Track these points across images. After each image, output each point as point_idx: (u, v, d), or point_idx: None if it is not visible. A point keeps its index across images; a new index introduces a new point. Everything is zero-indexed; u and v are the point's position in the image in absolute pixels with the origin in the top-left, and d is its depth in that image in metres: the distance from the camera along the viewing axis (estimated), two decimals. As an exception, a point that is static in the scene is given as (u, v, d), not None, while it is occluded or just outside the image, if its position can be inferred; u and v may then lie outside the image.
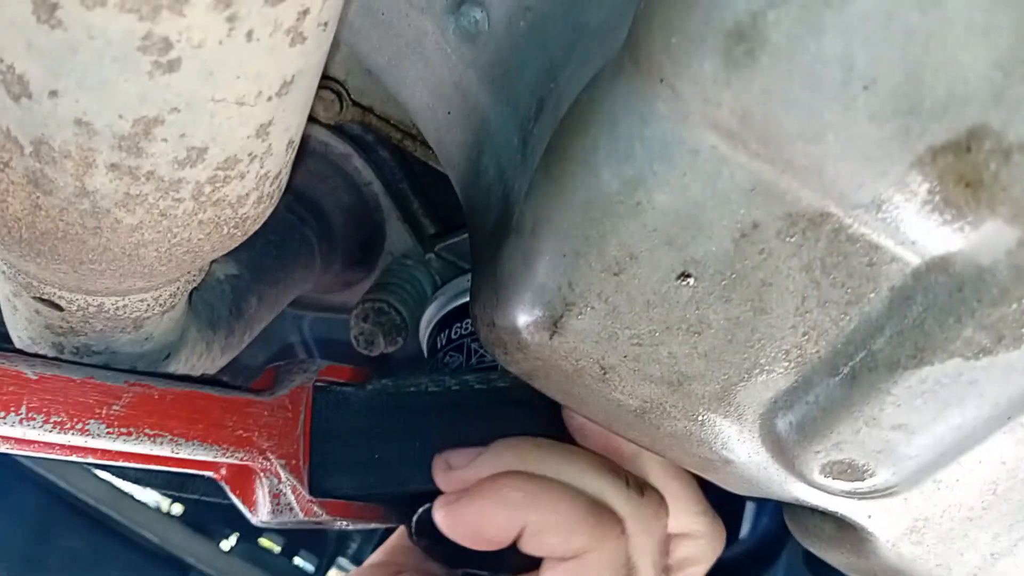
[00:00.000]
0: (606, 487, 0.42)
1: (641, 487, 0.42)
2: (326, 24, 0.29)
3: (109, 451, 0.41)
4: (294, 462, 0.46)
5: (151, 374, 0.42)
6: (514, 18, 0.39)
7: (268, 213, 0.34)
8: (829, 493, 0.33)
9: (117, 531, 0.85)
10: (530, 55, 0.38)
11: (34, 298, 0.36)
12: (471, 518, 0.41)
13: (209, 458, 0.43)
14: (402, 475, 0.48)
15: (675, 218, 0.28)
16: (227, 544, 0.90)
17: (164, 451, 0.42)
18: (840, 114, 0.24)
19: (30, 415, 0.38)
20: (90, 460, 0.42)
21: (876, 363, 0.29)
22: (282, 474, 0.46)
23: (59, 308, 0.36)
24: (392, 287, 0.61)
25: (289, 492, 0.46)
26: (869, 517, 0.35)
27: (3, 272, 0.36)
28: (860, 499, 0.33)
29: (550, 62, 0.37)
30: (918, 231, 0.26)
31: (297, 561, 0.96)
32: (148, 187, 0.29)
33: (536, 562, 0.42)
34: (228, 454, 0.44)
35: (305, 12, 0.27)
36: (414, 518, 0.48)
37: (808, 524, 0.39)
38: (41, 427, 0.38)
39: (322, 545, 1.01)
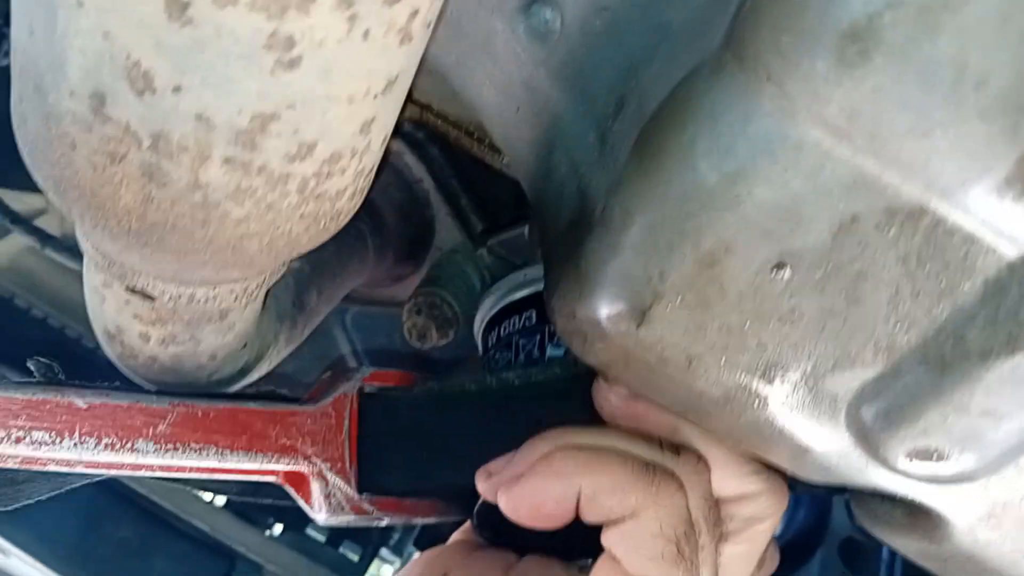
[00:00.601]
0: (649, 449, 0.42)
1: (676, 448, 0.43)
2: (430, 23, 0.30)
3: (164, 466, 0.45)
4: (340, 464, 0.49)
5: (196, 395, 0.45)
6: (589, 18, 0.40)
7: (358, 207, 0.35)
8: (912, 479, 0.34)
9: (166, 520, 0.86)
10: (607, 54, 0.39)
11: (127, 288, 0.37)
12: (529, 495, 0.42)
13: (255, 467, 0.47)
14: (449, 472, 0.49)
15: (774, 211, 0.29)
16: (274, 532, 0.91)
17: (210, 463, 0.45)
18: (950, 112, 0.24)
19: (83, 439, 0.43)
20: (150, 475, 0.46)
21: (968, 351, 0.29)
22: (329, 476, 0.49)
23: (151, 298, 0.37)
24: (444, 281, 0.62)
25: (339, 493, 0.49)
26: (947, 502, 0.35)
27: (96, 263, 0.37)
28: (941, 485, 0.34)
29: (629, 61, 0.37)
30: (1016, 225, 0.27)
31: (342, 550, 0.98)
32: (258, 180, 0.30)
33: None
34: (273, 462, 0.47)
35: (415, 13, 0.28)
36: (475, 509, 0.49)
37: (878, 511, 0.40)
38: (93, 449, 0.43)
39: (366, 535, 1.02)
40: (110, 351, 0.43)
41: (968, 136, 0.25)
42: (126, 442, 0.43)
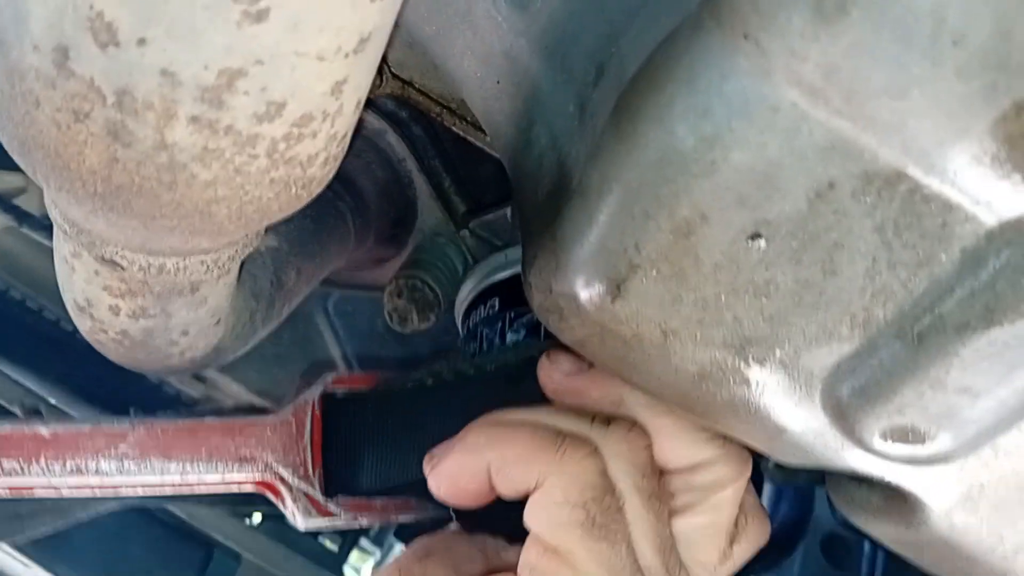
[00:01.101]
0: (571, 421, 0.42)
1: (607, 419, 0.42)
2: (403, -19, 0.29)
3: (128, 484, 0.48)
4: (303, 470, 0.51)
5: (156, 416, 0.49)
6: (570, -14, 0.39)
7: (332, 175, 0.35)
8: (888, 459, 0.33)
9: (142, 506, 0.86)
10: (587, 21, 0.38)
11: (95, 258, 0.36)
12: (446, 472, 0.43)
13: (217, 478, 0.49)
14: (413, 467, 0.49)
15: (750, 177, 0.28)
16: (253, 521, 0.90)
17: (173, 478, 0.48)
18: (927, 69, 0.24)
19: (49, 464, 0.46)
20: (125, 495, 0.49)
21: (945, 325, 0.29)
22: (292, 482, 0.51)
23: (120, 268, 0.36)
24: (425, 264, 0.61)
25: (304, 498, 0.51)
26: (923, 485, 0.35)
27: (65, 232, 0.36)
28: (918, 465, 0.34)
29: (610, 28, 0.37)
30: (995, 191, 0.26)
31: (321, 539, 0.97)
32: (226, 141, 0.29)
33: None
34: (235, 472, 0.49)
35: (388, -33, 0.27)
36: None
37: (854, 495, 0.39)
38: (60, 473, 0.46)
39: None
40: (81, 325, 0.43)
41: (945, 95, 0.24)
42: (90, 463, 0.47)
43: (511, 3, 0.41)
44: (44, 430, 0.47)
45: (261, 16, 0.26)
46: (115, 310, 0.40)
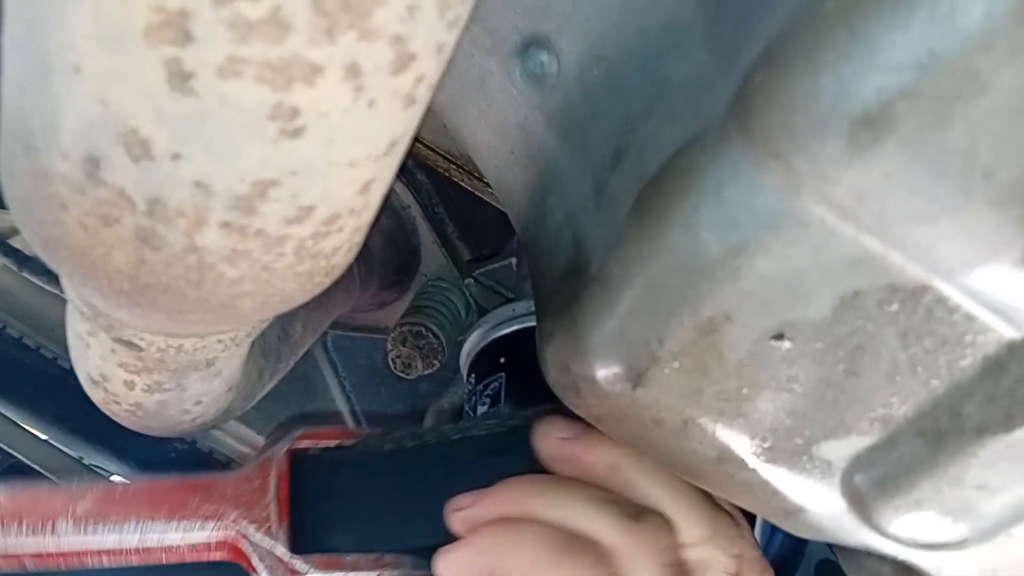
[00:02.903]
0: (595, 518, 0.41)
1: (639, 512, 0.41)
2: (433, 86, 0.29)
3: (85, 546, 0.46)
4: (267, 526, 0.49)
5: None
6: (586, 66, 0.39)
7: (352, 260, 0.35)
8: (903, 544, 0.34)
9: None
10: (604, 104, 0.38)
11: (113, 339, 0.36)
12: (456, 568, 0.42)
13: (178, 537, 0.47)
14: (398, 531, 0.48)
15: (775, 284, 0.29)
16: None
17: (132, 537, 0.46)
18: (959, 199, 0.24)
19: (6, 525, 0.45)
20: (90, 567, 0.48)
21: (964, 426, 0.30)
22: (256, 538, 0.48)
23: (139, 348, 0.36)
24: (429, 310, 0.62)
25: (268, 556, 0.49)
26: (938, 566, 0.36)
27: (82, 313, 0.36)
28: (933, 551, 0.34)
29: (627, 113, 0.37)
30: (1020, 308, 0.27)
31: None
32: (255, 243, 0.29)
33: None
34: (196, 530, 0.47)
35: (421, 79, 0.27)
36: None
37: (864, 565, 0.40)
38: (16, 534, 0.45)
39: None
40: (93, 396, 0.42)
41: (976, 223, 0.25)
42: (47, 523, 0.45)
43: (526, 77, 0.41)
44: (2, 496, 0.46)
45: (297, 133, 0.26)
46: (130, 385, 0.40)
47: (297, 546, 0.48)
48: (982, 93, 0.23)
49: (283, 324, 0.52)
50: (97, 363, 0.39)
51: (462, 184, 0.55)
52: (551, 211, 0.41)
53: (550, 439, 0.45)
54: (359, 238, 0.34)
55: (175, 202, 0.27)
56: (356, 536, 0.49)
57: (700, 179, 0.29)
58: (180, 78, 0.24)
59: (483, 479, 0.46)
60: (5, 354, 0.76)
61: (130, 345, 0.36)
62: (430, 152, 0.54)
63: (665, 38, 0.35)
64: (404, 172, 0.61)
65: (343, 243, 0.32)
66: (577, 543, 0.40)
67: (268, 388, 0.52)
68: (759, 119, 0.26)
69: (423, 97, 0.29)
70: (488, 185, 0.54)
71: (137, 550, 0.47)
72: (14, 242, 0.68)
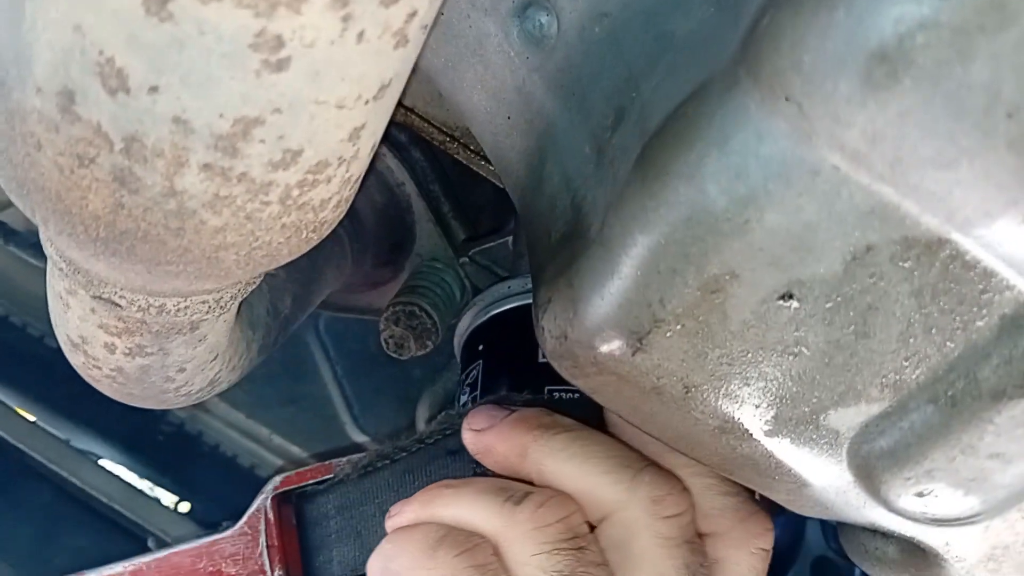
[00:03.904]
0: (474, 508, 0.41)
1: (522, 496, 0.40)
2: (426, 27, 0.28)
3: None
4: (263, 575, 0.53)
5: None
6: (587, 24, 0.38)
7: (342, 216, 0.33)
8: (912, 520, 0.33)
9: (127, 529, 0.84)
10: (605, 63, 0.37)
11: (92, 296, 0.35)
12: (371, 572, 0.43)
13: None
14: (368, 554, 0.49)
15: (785, 238, 0.27)
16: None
17: None
18: (979, 140, 0.23)
19: None
20: None
21: (980, 391, 0.28)
22: None
23: (119, 307, 0.35)
24: (423, 290, 0.60)
25: None
26: (947, 543, 0.34)
27: (60, 269, 0.35)
28: (943, 526, 0.33)
29: (629, 70, 0.36)
30: (1040, 260, 0.25)
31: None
32: (238, 189, 0.28)
33: None
34: None
35: (413, 14, 0.26)
36: None
37: (868, 546, 0.39)
38: None
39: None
40: (73, 360, 0.41)
41: (996, 167, 0.23)
42: None
43: (524, 39, 0.40)
44: None
45: (281, 65, 0.25)
46: (111, 348, 0.38)
47: None
48: (1008, 24, 0.22)
49: (272, 297, 0.51)
50: (76, 324, 0.38)
51: (458, 158, 0.53)
52: (549, 176, 0.40)
53: (468, 433, 0.44)
54: (348, 192, 0.32)
55: (153, 140, 0.26)
56: (348, 564, 0.52)
57: (706, 128, 0.28)
58: (156, 2, 0.23)
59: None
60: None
61: (110, 304, 0.35)
62: (425, 124, 0.53)
63: (670, -10, 0.34)
64: (399, 148, 0.60)
65: (332, 195, 0.31)
66: (451, 536, 0.40)
67: (256, 362, 0.51)
68: (768, 60, 0.25)
69: (416, 37, 0.27)
70: (485, 159, 0.53)
71: None
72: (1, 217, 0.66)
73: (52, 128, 0.27)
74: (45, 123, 0.27)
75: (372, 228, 0.61)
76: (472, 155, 0.53)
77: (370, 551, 0.46)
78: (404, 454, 0.51)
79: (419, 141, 0.60)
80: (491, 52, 0.42)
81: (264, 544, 0.53)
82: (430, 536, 0.40)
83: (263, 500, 0.54)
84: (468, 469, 0.47)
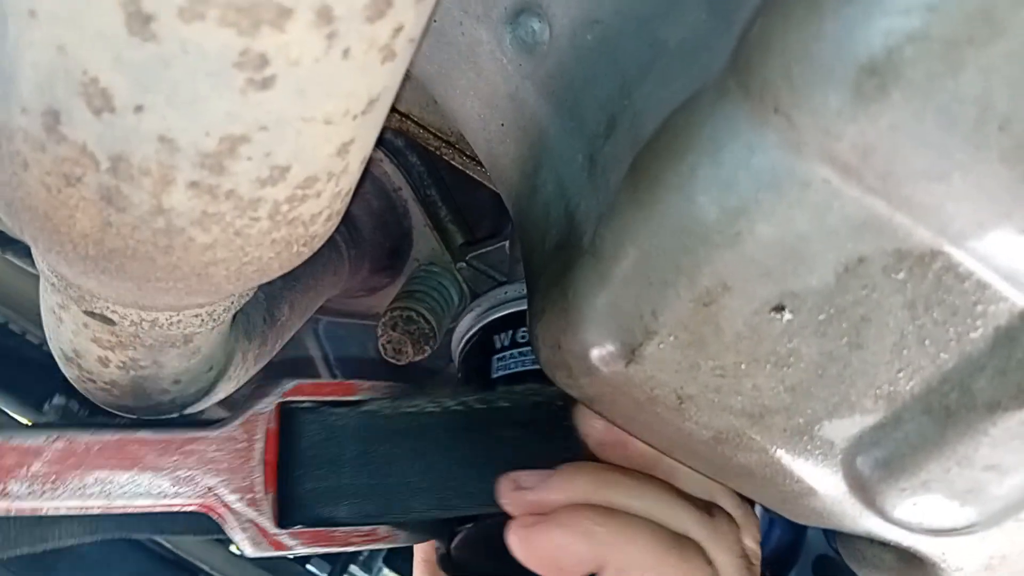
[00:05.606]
0: (682, 515, 0.40)
1: (708, 506, 0.41)
2: (414, 40, 0.28)
3: (47, 508, 0.39)
4: (251, 496, 0.44)
5: (79, 425, 0.40)
6: (580, 31, 0.38)
7: (333, 230, 0.33)
8: (908, 530, 0.32)
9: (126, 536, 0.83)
10: (598, 70, 0.37)
11: (85, 311, 0.34)
12: (550, 547, 0.39)
13: (149, 502, 0.41)
14: (407, 502, 0.45)
15: (776, 250, 0.27)
16: (238, 548, 0.88)
17: (96, 502, 0.40)
18: (971, 153, 0.23)
19: None
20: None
21: (975, 402, 0.28)
22: (238, 508, 0.43)
23: (111, 322, 0.34)
24: (420, 295, 0.60)
25: (251, 528, 0.44)
26: (943, 553, 0.34)
27: (52, 284, 0.35)
28: (939, 537, 0.33)
29: (622, 78, 0.36)
30: (1034, 272, 0.25)
31: (309, 567, 0.95)
32: (226, 206, 0.28)
33: None
34: (170, 495, 0.42)
35: (400, 29, 0.26)
36: (455, 540, 0.47)
37: (866, 553, 0.38)
38: None
39: (334, 552, 1.00)
40: (67, 373, 0.41)
41: (988, 179, 0.23)
42: None
43: (517, 45, 0.40)
44: None
45: (267, 83, 0.24)
46: (104, 361, 0.38)
47: (284, 517, 0.44)
48: (997, 36, 0.21)
49: (269, 305, 0.50)
50: (70, 338, 0.37)
51: (453, 163, 0.53)
52: (543, 184, 0.40)
53: (599, 422, 0.43)
54: (339, 206, 0.32)
55: (139, 159, 0.26)
56: (353, 508, 0.45)
57: (697, 139, 0.28)
58: (139, 21, 0.23)
59: (504, 452, 0.44)
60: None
61: (102, 319, 0.35)
62: (420, 130, 0.53)
63: (662, -2, 0.33)
64: (395, 153, 0.59)
65: (322, 209, 0.31)
66: (684, 542, 0.40)
67: (253, 372, 0.51)
68: (758, 70, 0.25)
69: (403, 51, 0.27)
70: (481, 164, 0.53)
71: (102, 509, 0.41)
72: (-2, 225, 0.66)
73: (38, 148, 0.26)
74: (31, 143, 0.26)
75: (369, 233, 0.61)
76: (468, 160, 0.53)
77: (394, 503, 0.44)
78: (460, 408, 0.46)
79: (416, 146, 0.60)
80: (484, 59, 0.41)
81: (260, 458, 0.43)
82: (666, 536, 0.39)
83: (266, 404, 0.45)
84: (539, 448, 0.44)
